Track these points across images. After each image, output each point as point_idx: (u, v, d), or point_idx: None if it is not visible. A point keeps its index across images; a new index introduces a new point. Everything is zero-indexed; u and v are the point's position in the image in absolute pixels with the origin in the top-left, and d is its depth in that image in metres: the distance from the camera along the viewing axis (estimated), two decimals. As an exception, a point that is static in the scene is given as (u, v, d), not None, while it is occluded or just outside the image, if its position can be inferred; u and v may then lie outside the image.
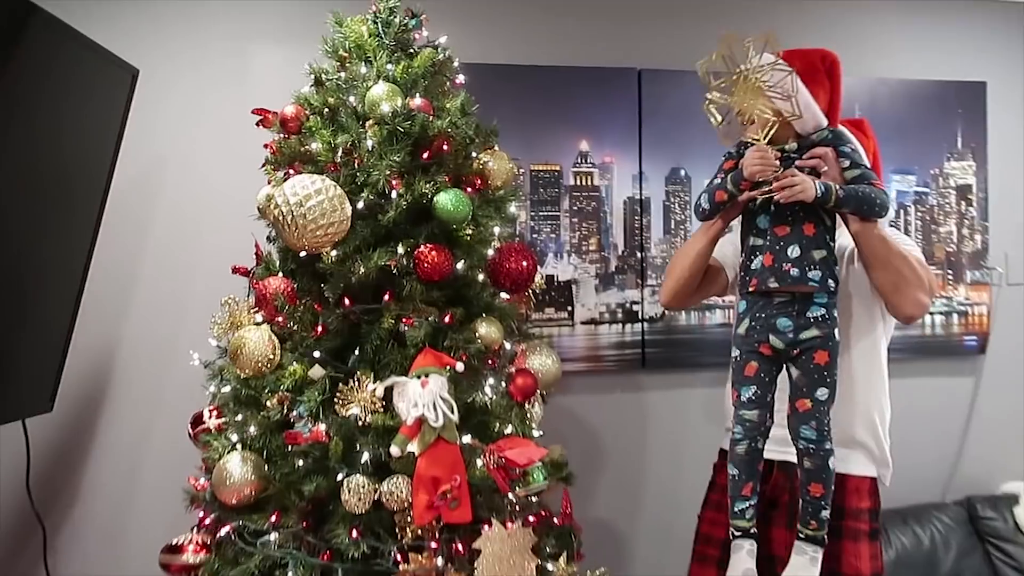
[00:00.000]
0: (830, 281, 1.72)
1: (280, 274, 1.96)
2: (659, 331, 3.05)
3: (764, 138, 1.72)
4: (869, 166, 1.78)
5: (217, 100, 2.69)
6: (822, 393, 1.72)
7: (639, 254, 3.04)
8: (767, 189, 1.70)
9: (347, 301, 1.86)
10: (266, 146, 2.08)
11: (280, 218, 1.80)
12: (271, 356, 1.86)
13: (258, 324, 1.91)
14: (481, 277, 1.98)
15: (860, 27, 3.30)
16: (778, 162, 1.70)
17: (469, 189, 1.97)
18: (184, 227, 2.68)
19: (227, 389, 1.95)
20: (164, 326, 2.64)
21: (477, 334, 1.91)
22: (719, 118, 1.79)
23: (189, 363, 2.02)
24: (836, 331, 1.74)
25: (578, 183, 2.99)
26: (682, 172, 3.08)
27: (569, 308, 2.98)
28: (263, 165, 2.10)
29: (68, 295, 2.25)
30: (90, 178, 2.25)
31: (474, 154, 2.06)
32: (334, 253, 1.85)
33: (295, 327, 1.88)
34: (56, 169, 2.09)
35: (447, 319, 1.88)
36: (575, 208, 2.99)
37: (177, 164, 2.67)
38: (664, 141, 3.04)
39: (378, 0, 2.07)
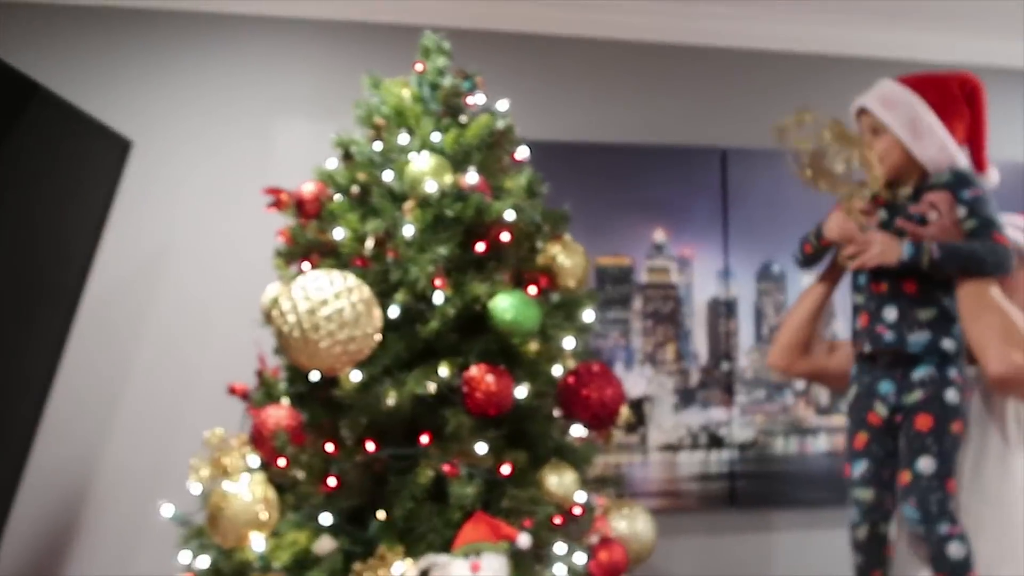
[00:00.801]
0: (945, 342, 1.59)
1: (284, 400, 1.66)
2: (751, 460, 2.72)
3: (852, 212, 1.62)
4: (992, 216, 1.59)
5: (231, 179, 2.49)
6: (925, 464, 1.57)
7: (726, 365, 2.74)
8: (843, 253, 1.64)
9: (371, 444, 1.55)
10: (280, 233, 1.85)
11: (285, 329, 1.41)
12: (263, 519, 1.46)
13: (251, 470, 1.56)
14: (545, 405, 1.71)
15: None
16: (858, 230, 1.62)
17: (533, 289, 1.73)
18: (183, 329, 2.44)
19: (205, 562, 1.49)
20: (147, 455, 2.35)
21: (545, 490, 1.58)
22: (808, 172, 1.65)
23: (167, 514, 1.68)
24: (949, 392, 1.59)
25: (652, 280, 2.75)
26: (775, 268, 2.81)
27: (641, 430, 2.67)
28: (275, 256, 1.86)
29: (25, 418, 1.95)
30: (64, 271, 2.01)
31: (540, 245, 1.83)
32: (356, 376, 1.55)
33: (299, 475, 1.53)
34: (16, 258, 1.78)
35: (506, 469, 1.56)
36: (649, 309, 2.73)
37: (179, 253, 2.47)
38: (754, 232, 2.79)
39: (425, 58, 1.88)
